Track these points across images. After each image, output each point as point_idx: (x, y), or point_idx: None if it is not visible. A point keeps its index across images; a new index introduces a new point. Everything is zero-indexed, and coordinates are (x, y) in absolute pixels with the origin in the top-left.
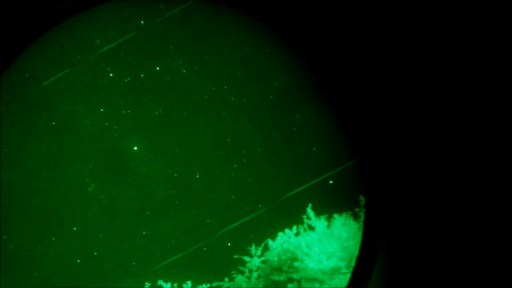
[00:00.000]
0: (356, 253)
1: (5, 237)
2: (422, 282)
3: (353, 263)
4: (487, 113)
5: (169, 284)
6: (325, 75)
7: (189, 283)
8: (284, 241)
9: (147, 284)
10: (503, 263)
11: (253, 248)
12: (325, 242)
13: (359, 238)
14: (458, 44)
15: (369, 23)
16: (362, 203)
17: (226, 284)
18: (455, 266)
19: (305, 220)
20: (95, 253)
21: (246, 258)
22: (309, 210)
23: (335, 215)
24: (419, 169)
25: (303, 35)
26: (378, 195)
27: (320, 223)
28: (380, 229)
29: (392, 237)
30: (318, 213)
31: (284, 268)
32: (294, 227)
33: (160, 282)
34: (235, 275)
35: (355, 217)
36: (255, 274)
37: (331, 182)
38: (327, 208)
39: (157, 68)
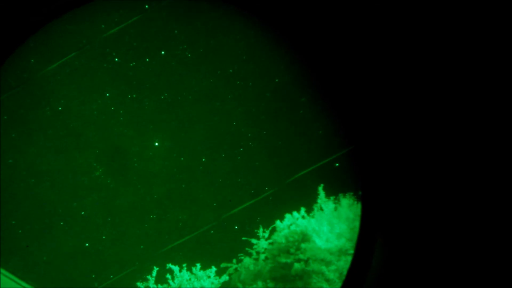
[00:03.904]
0: None
1: (13, 222)
2: (419, 273)
3: None
4: (480, 106)
5: (177, 267)
6: (324, 68)
7: (198, 265)
8: (292, 223)
9: (156, 268)
10: (500, 257)
11: (260, 230)
12: (333, 223)
13: None
14: (449, 37)
15: (364, 13)
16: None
17: (234, 266)
18: (451, 256)
19: (316, 200)
20: (103, 237)
21: (254, 240)
22: (320, 190)
23: (342, 197)
24: (415, 160)
25: (302, 28)
26: (374, 184)
27: (328, 204)
28: (377, 221)
29: (389, 228)
30: (326, 195)
31: (292, 250)
32: (302, 209)
33: (169, 265)
34: (242, 257)
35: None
36: (262, 256)
37: (337, 165)
38: (334, 190)
39: (162, 52)
